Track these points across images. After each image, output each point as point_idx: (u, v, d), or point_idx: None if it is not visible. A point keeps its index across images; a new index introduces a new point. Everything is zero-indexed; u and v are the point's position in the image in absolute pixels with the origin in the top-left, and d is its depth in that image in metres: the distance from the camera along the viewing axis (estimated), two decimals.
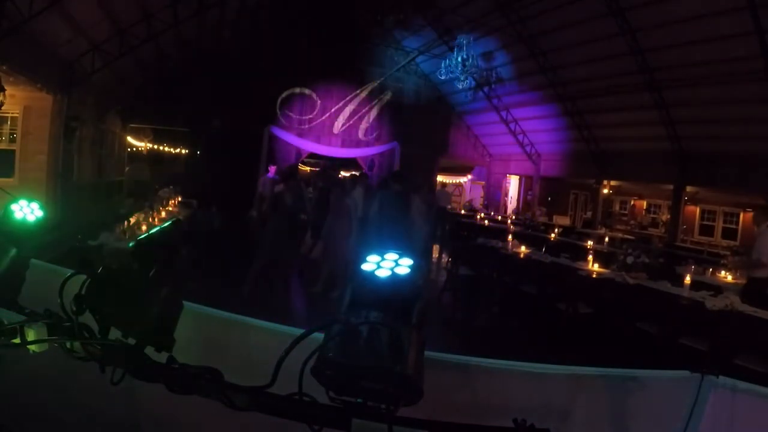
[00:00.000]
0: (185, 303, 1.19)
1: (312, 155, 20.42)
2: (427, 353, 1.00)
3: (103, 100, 14.19)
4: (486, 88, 20.06)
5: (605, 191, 20.27)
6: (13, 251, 1.35)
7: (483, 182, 25.19)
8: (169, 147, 22.48)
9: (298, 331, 1.07)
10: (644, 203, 21.25)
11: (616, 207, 22.14)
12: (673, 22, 12.56)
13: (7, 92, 8.62)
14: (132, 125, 18.43)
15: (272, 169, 12.71)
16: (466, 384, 1.80)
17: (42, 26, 8.95)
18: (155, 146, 21.87)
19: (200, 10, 12.84)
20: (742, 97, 12.62)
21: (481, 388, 1.82)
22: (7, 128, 10.60)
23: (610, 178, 19.60)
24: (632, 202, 21.70)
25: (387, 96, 21.18)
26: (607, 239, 12.48)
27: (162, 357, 1.09)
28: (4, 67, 8.44)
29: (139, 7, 11.35)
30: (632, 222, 20.75)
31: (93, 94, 13.00)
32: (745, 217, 17.08)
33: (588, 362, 1.93)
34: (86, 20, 10.27)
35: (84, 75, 11.57)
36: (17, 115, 10.46)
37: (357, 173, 14.91)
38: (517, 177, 24.02)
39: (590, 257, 8.10)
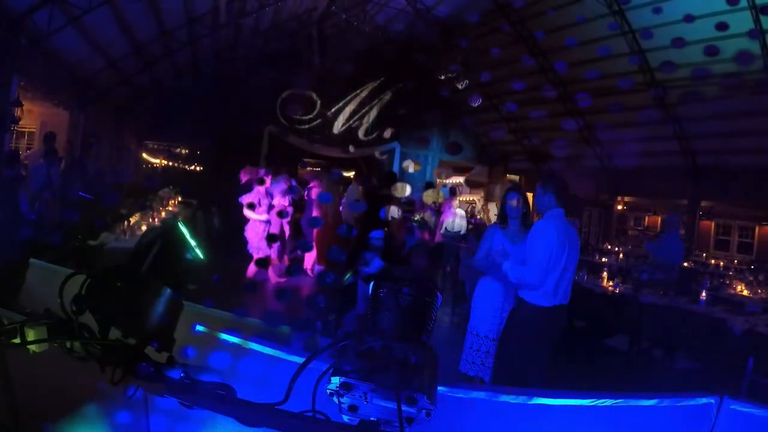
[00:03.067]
0: (185, 303, 1.19)
1: (312, 155, 20.43)
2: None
3: (120, 116, 14.40)
4: (490, 92, 19.94)
5: (619, 207, 20.12)
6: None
7: (496, 200, 25.04)
8: (184, 164, 22.55)
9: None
10: (658, 219, 21.04)
11: (630, 223, 21.96)
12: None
13: (24, 107, 8.76)
14: (147, 142, 18.66)
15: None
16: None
17: (60, 43, 9.11)
18: (170, 163, 21.91)
19: (215, 29, 13.01)
20: (755, 109, 12.53)
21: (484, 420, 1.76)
22: (24, 143, 10.76)
23: (623, 194, 19.47)
24: (646, 219, 21.51)
25: (387, 96, 21.14)
26: (621, 256, 12.38)
27: (162, 357, 1.09)
28: (22, 83, 8.59)
29: (156, 25, 11.51)
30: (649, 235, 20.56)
31: (109, 110, 13.18)
32: (760, 230, 16.88)
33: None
34: (104, 37, 10.44)
35: (101, 91, 11.74)
36: (34, 130, 10.62)
37: (355, 173, 14.74)
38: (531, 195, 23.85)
39: (605, 274, 8.02)
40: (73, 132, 10.98)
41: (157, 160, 21.04)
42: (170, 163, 21.43)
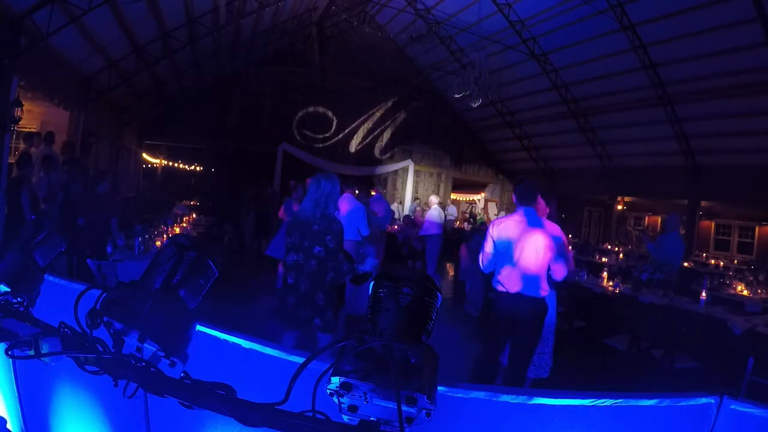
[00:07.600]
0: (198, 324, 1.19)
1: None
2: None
3: (120, 116, 14.39)
4: (499, 105, 20.07)
5: (619, 207, 20.13)
6: None
7: (497, 200, 25.09)
8: (184, 164, 22.67)
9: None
10: (658, 219, 21.04)
11: (630, 223, 21.95)
12: (684, 35, 12.53)
13: (24, 107, 8.75)
14: (147, 142, 18.68)
15: None
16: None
17: (60, 43, 9.10)
18: (170, 163, 22.07)
19: (216, 28, 12.99)
20: (755, 109, 12.53)
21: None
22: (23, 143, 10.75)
23: (623, 194, 19.46)
24: (646, 219, 21.51)
25: (401, 116, 21.42)
26: (621, 256, 12.38)
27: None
28: (22, 83, 8.57)
29: (157, 25, 11.49)
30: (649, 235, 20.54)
31: (109, 110, 13.17)
32: (760, 230, 16.89)
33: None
34: (104, 38, 10.43)
35: (101, 91, 11.73)
36: (34, 130, 10.61)
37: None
38: None
39: (605, 274, 8.02)
40: (73, 132, 10.98)
41: (157, 160, 21.13)
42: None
